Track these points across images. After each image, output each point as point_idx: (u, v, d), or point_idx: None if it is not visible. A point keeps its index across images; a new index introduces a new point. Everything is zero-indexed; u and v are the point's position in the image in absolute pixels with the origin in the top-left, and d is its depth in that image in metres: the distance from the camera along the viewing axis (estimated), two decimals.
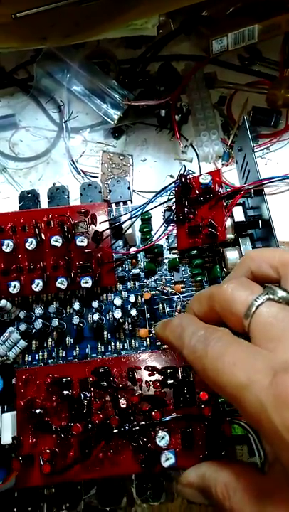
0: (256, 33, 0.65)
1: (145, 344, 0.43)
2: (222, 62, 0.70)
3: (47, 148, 0.70)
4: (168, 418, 0.36)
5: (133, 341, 0.44)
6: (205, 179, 0.43)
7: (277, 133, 0.65)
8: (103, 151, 0.68)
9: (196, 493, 0.30)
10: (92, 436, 0.36)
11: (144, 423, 0.36)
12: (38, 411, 0.36)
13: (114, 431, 0.36)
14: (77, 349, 0.44)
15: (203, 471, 0.30)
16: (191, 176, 0.45)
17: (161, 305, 0.45)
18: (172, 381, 0.37)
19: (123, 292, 0.46)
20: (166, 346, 0.41)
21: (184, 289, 0.45)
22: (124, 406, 0.36)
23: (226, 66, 0.70)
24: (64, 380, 0.37)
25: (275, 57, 0.69)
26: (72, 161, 0.68)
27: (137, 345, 0.44)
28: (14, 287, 0.43)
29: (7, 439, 0.38)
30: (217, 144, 0.64)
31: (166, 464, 0.35)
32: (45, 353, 0.44)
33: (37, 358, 0.44)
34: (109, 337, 0.44)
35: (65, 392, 0.37)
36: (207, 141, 0.65)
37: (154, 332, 0.44)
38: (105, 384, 0.37)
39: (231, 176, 0.59)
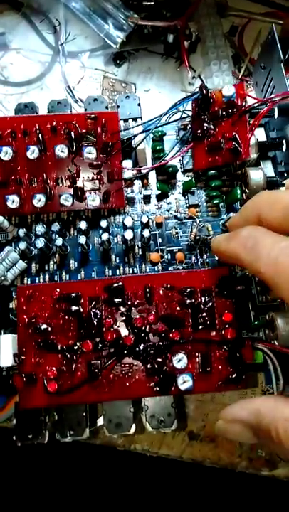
0: None
1: (156, 269, 0.40)
2: None
3: (41, 72, 0.64)
4: (191, 339, 0.33)
5: (144, 266, 0.40)
6: (228, 91, 0.39)
7: None
8: (104, 77, 0.62)
9: (243, 431, 0.27)
10: (102, 356, 0.33)
11: (160, 343, 0.33)
12: (43, 327, 0.33)
13: (127, 351, 0.33)
14: (82, 273, 0.40)
15: (256, 406, 0.27)
16: (211, 90, 0.41)
17: (174, 229, 0.42)
18: (192, 301, 0.34)
19: (133, 215, 0.42)
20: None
21: (198, 213, 0.42)
22: (140, 324, 0.32)
23: None
24: (73, 295, 0.34)
25: None
26: (69, 87, 0.62)
27: (147, 270, 0.40)
28: (13, 201, 0.39)
29: (6, 361, 0.35)
30: (228, 75, 0.60)
31: (183, 387, 0.33)
32: (47, 276, 0.40)
33: (37, 281, 0.40)
34: (118, 261, 0.40)
35: (74, 308, 0.33)
36: (217, 72, 0.60)
37: (166, 257, 0.40)
38: (119, 301, 0.33)
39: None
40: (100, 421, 0.39)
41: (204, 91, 0.40)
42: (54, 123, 0.39)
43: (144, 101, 0.61)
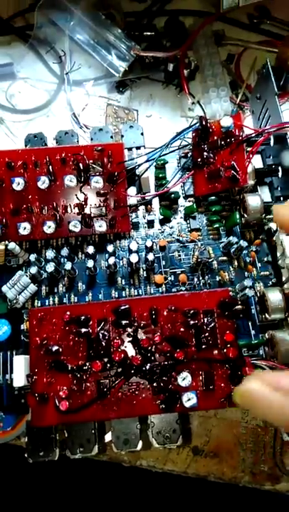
0: None
1: (160, 291, 0.42)
2: (231, 19, 0.68)
3: (47, 100, 0.67)
4: (194, 358, 0.35)
5: (148, 287, 0.42)
6: (226, 122, 0.42)
7: (286, 93, 0.64)
8: (108, 104, 0.65)
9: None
10: (110, 376, 0.35)
11: (166, 363, 0.35)
12: (54, 348, 0.35)
13: (134, 371, 0.35)
14: (90, 295, 0.42)
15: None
16: (210, 121, 0.44)
17: (176, 252, 0.44)
18: (195, 321, 0.36)
19: (137, 239, 0.44)
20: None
21: (200, 237, 0.44)
22: (146, 345, 0.34)
23: (235, 24, 0.69)
24: (82, 317, 0.36)
25: (284, 17, 0.68)
26: (74, 114, 0.65)
27: (152, 291, 0.42)
28: (24, 228, 0.41)
29: (19, 382, 0.37)
30: (226, 101, 0.63)
31: (188, 404, 0.34)
32: (56, 298, 0.42)
33: (47, 303, 0.42)
34: (124, 283, 0.43)
35: (84, 330, 0.35)
36: (216, 98, 0.63)
37: (170, 279, 0.43)
38: (126, 322, 0.35)
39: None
40: (108, 437, 0.41)
41: (204, 122, 0.43)
42: (63, 154, 0.42)
43: (146, 126, 0.64)
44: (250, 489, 0.50)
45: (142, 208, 0.45)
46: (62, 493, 0.57)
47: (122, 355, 0.35)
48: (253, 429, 0.51)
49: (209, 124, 0.43)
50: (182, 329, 0.36)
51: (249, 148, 0.43)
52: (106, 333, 0.36)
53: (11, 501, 0.56)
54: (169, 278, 0.43)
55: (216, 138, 0.43)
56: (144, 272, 0.43)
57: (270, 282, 0.42)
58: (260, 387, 0.24)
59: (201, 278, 0.43)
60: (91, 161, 0.42)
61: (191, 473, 0.51)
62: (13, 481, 0.53)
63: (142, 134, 0.48)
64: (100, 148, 0.41)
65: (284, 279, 0.40)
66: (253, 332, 0.41)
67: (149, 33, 0.69)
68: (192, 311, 0.36)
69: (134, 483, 0.55)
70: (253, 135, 0.42)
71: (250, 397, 0.25)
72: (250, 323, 0.41)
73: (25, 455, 0.37)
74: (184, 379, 0.35)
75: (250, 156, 0.41)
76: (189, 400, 0.34)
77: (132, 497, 0.56)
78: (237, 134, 0.42)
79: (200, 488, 0.52)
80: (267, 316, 0.39)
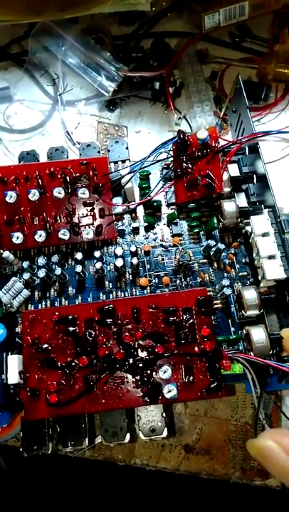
0: (247, 10, 0.67)
1: (145, 293, 0.45)
2: (213, 38, 0.73)
3: (42, 120, 0.71)
4: (173, 352, 0.37)
5: (134, 290, 0.45)
6: (202, 134, 0.45)
7: (267, 106, 0.67)
8: (99, 122, 0.69)
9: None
10: (96, 371, 0.37)
11: (147, 357, 0.38)
12: (45, 346, 0.38)
13: (118, 365, 0.37)
14: (80, 298, 0.45)
15: None
16: (188, 134, 0.47)
17: (160, 256, 0.47)
18: (175, 318, 0.39)
19: (123, 245, 0.47)
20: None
21: (181, 241, 0.47)
22: (128, 341, 0.37)
23: (217, 43, 0.73)
24: (70, 317, 0.39)
25: (264, 35, 0.72)
26: (68, 132, 0.69)
27: (137, 293, 0.45)
28: (17, 238, 0.44)
29: (13, 379, 0.39)
30: (210, 115, 0.67)
31: (168, 396, 0.37)
32: (48, 302, 0.45)
33: (40, 307, 0.45)
34: (111, 286, 0.45)
35: (71, 329, 0.38)
36: (200, 113, 0.67)
37: (154, 281, 0.45)
38: (110, 321, 0.38)
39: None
40: (99, 439, 0.43)
41: (182, 135, 0.46)
42: (52, 169, 0.45)
43: (136, 141, 0.69)
44: (241, 485, 0.51)
45: (127, 216, 0.48)
46: (58, 492, 0.59)
47: (107, 351, 0.37)
48: (242, 427, 0.53)
49: (187, 137, 0.46)
50: (162, 326, 0.39)
51: (226, 157, 0.46)
52: (92, 331, 0.39)
53: (7, 501, 0.57)
54: (154, 280, 0.46)
55: (194, 149, 0.46)
56: (130, 276, 0.46)
57: (248, 282, 0.44)
58: (277, 449, 0.26)
59: (183, 280, 0.45)
60: (78, 174, 0.45)
61: (184, 470, 0.53)
62: (10, 482, 0.55)
63: (126, 148, 0.51)
64: (85, 162, 0.45)
65: (260, 277, 0.42)
66: (232, 329, 0.43)
67: (136, 54, 0.73)
68: (172, 309, 0.39)
69: (128, 482, 0.57)
70: (228, 145, 0.45)
71: (266, 456, 0.27)
72: (230, 321, 0.43)
73: (20, 449, 0.40)
74: (164, 372, 0.37)
75: (225, 164, 0.44)
76: (170, 391, 0.37)
77: (127, 495, 0.58)
78: (213, 145, 0.45)
79: (192, 485, 0.54)
80: (244, 312, 0.41)
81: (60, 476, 0.59)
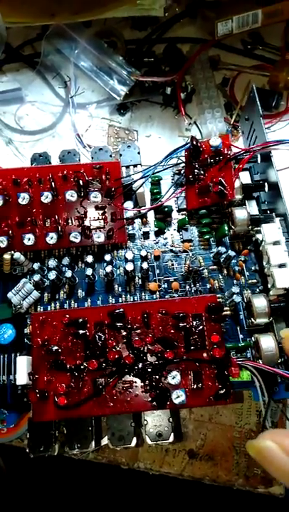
0: (260, 18, 0.68)
1: (154, 297, 0.45)
2: (226, 45, 0.73)
3: (53, 122, 0.72)
4: (182, 358, 0.37)
5: (143, 294, 0.45)
6: (215, 141, 0.45)
7: (278, 114, 0.68)
8: (109, 125, 0.70)
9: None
10: (105, 374, 0.37)
11: (156, 362, 0.38)
12: (54, 348, 0.38)
13: (127, 369, 0.37)
14: (89, 301, 0.45)
15: None
16: (201, 141, 0.47)
17: (170, 261, 0.47)
18: (184, 324, 0.39)
19: (133, 249, 0.48)
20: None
21: (192, 247, 0.47)
22: (138, 345, 0.37)
23: (230, 50, 0.73)
24: (80, 320, 0.39)
25: (276, 43, 0.72)
26: (78, 135, 0.69)
27: (146, 298, 0.45)
28: (29, 239, 0.45)
29: (22, 380, 0.39)
30: (220, 122, 0.67)
31: (177, 401, 0.37)
32: (57, 304, 0.45)
33: (49, 309, 0.45)
34: (120, 290, 0.46)
35: (81, 332, 0.38)
36: (211, 119, 0.67)
37: (163, 286, 0.46)
38: (120, 325, 0.38)
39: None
40: (105, 441, 0.43)
41: (194, 142, 0.46)
42: (65, 172, 0.46)
43: (146, 145, 0.69)
44: (244, 492, 0.51)
45: (137, 220, 0.49)
46: (61, 495, 0.59)
47: (116, 355, 0.38)
48: (246, 433, 0.53)
49: (200, 143, 0.47)
50: (172, 331, 0.39)
51: (238, 165, 0.46)
52: (102, 335, 0.39)
53: (11, 503, 0.58)
54: (163, 285, 0.46)
55: (206, 156, 0.46)
56: (140, 280, 0.46)
57: (258, 289, 0.45)
58: (277, 450, 0.25)
59: (192, 285, 0.45)
60: (90, 178, 0.45)
61: (187, 475, 0.53)
62: (14, 483, 0.55)
63: (138, 153, 0.51)
64: (98, 166, 0.45)
65: (269, 286, 0.43)
66: (241, 336, 0.43)
67: (148, 59, 0.74)
68: (182, 315, 0.39)
69: (131, 485, 0.57)
70: (240, 153, 0.45)
71: (266, 456, 0.26)
72: (238, 328, 0.44)
73: (27, 450, 0.40)
74: (173, 377, 0.37)
75: (237, 172, 0.44)
76: (178, 397, 0.37)
77: (130, 499, 0.58)
78: (225, 152, 0.45)
79: (195, 490, 0.54)
80: (253, 320, 0.41)
81: (63, 478, 0.59)
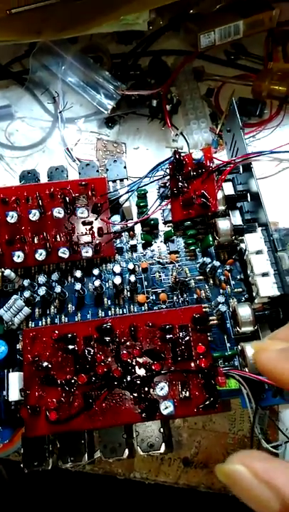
0: (241, 29, 0.69)
1: (143, 309, 0.46)
2: (209, 56, 0.74)
3: (42, 137, 0.73)
4: (170, 369, 0.38)
5: (132, 306, 0.46)
6: (197, 155, 0.46)
7: (262, 122, 0.69)
8: (98, 139, 0.71)
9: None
10: (95, 388, 0.38)
11: (144, 375, 0.38)
12: (45, 364, 0.39)
13: (116, 382, 0.38)
14: (79, 315, 0.46)
15: None
16: (183, 154, 0.49)
17: (157, 273, 0.48)
18: (171, 336, 0.40)
19: (121, 262, 0.49)
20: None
21: (178, 258, 0.48)
22: (126, 359, 0.38)
23: (213, 60, 0.75)
24: (69, 335, 0.40)
25: (258, 52, 0.74)
26: (68, 149, 0.70)
27: (135, 310, 0.46)
28: (18, 257, 0.46)
29: (14, 396, 0.40)
30: (206, 132, 0.68)
31: (165, 412, 0.38)
32: (48, 319, 0.46)
33: (40, 324, 0.46)
34: (109, 303, 0.47)
35: (71, 347, 0.39)
36: (197, 130, 0.69)
37: (152, 298, 0.46)
38: (108, 339, 0.39)
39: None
40: (98, 453, 0.44)
41: (177, 156, 0.48)
42: (52, 189, 0.47)
43: (134, 157, 0.70)
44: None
45: (125, 234, 0.50)
46: (59, 506, 0.60)
47: (105, 369, 0.38)
48: (240, 440, 0.53)
49: (182, 157, 0.48)
50: (160, 343, 0.40)
51: (220, 176, 0.47)
52: (91, 349, 0.40)
53: (8, 510, 0.58)
54: (151, 297, 0.47)
55: (189, 169, 0.48)
56: (128, 293, 0.47)
57: (243, 298, 0.46)
58: (246, 474, 0.23)
59: (180, 296, 0.46)
60: (77, 194, 0.46)
61: (182, 483, 0.53)
62: (11, 496, 0.56)
63: (124, 167, 0.52)
64: (84, 183, 0.46)
65: (254, 294, 0.43)
66: (228, 344, 0.44)
67: (134, 72, 0.75)
68: (168, 327, 0.40)
69: (128, 495, 0.57)
70: (222, 165, 0.47)
71: (236, 480, 0.23)
72: (225, 337, 0.44)
73: (21, 465, 0.41)
74: (161, 389, 0.38)
75: (220, 183, 0.46)
76: (166, 408, 0.38)
77: (127, 508, 0.59)
78: (207, 165, 0.47)
79: (192, 498, 0.55)
80: (238, 329, 0.42)
81: (61, 489, 0.59)
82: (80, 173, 0.53)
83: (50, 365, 0.39)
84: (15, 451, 0.47)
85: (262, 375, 0.39)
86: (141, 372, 0.39)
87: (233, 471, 0.23)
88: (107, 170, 0.53)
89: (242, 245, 0.46)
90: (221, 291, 0.46)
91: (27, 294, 0.45)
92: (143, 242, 0.49)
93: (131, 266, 0.46)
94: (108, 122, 0.73)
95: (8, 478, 0.59)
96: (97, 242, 0.47)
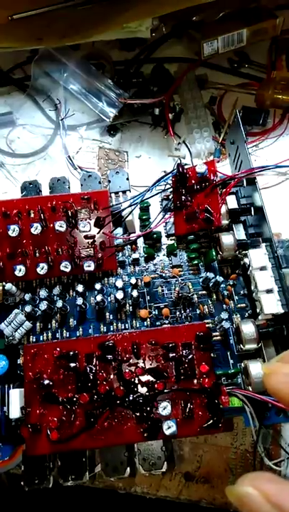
0: (245, 37, 0.69)
1: (146, 324, 0.46)
2: (212, 64, 0.74)
3: (44, 145, 0.72)
4: (172, 388, 0.38)
5: (134, 321, 0.46)
6: (201, 168, 0.46)
7: (265, 131, 0.68)
8: (100, 147, 0.71)
9: None
10: (97, 407, 0.38)
11: (147, 394, 0.38)
12: (46, 382, 0.38)
13: (119, 401, 0.38)
14: (81, 330, 0.46)
15: None
16: (187, 167, 0.48)
17: (160, 287, 0.47)
18: (174, 354, 0.39)
19: (124, 276, 0.48)
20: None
21: (181, 272, 0.48)
22: (128, 377, 0.38)
23: (216, 68, 0.74)
24: (71, 353, 0.39)
25: (262, 61, 0.73)
26: (69, 157, 0.70)
27: (137, 325, 0.46)
28: (20, 270, 0.45)
29: (15, 413, 0.40)
30: (209, 141, 0.68)
31: (168, 432, 0.37)
32: (49, 334, 0.46)
33: (41, 339, 0.46)
34: (111, 318, 0.46)
35: (72, 365, 0.39)
36: (199, 139, 0.68)
37: (154, 313, 0.46)
38: (110, 357, 0.39)
39: (224, 171, 0.62)
40: (99, 468, 0.43)
41: (180, 169, 0.47)
42: (54, 203, 0.46)
43: (136, 166, 0.70)
44: None
45: (127, 247, 0.49)
46: None
47: (107, 388, 0.38)
48: (242, 454, 0.53)
49: (186, 170, 0.47)
50: (163, 361, 0.40)
51: (224, 189, 0.47)
52: (93, 367, 0.39)
53: None
54: (154, 312, 0.46)
55: (192, 182, 0.47)
56: (130, 307, 0.46)
57: (247, 314, 0.45)
58: (257, 497, 0.23)
59: (182, 311, 0.46)
60: (79, 208, 0.46)
61: (184, 498, 0.53)
62: (11, 496, 0.55)
63: (127, 179, 0.52)
64: (86, 197, 0.46)
65: (258, 310, 0.43)
66: (231, 361, 0.44)
67: (137, 80, 0.75)
68: (171, 345, 0.39)
69: (129, 510, 0.57)
70: (226, 179, 0.46)
71: (246, 503, 0.23)
72: (228, 353, 0.44)
73: (22, 483, 0.40)
74: (164, 408, 0.38)
75: (224, 197, 0.45)
76: (169, 427, 0.37)
77: None
78: (211, 178, 0.46)
79: None
80: (242, 346, 0.42)
81: (61, 503, 0.59)
82: (82, 185, 0.52)
83: (51, 383, 0.39)
84: (17, 465, 0.47)
85: (266, 395, 0.38)
86: (143, 390, 0.39)
87: (244, 494, 0.23)
88: (109, 181, 0.52)
89: (245, 260, 0.46)
90: (224, 306, 0.46)
91: (28, 308, 0.45)
92: (145, 255, 0.49)
93: (133, 280, 0.45)
94: (110, 130, 0.72)
95: (8, 485, 0.59)
96: (99, 255, 0.47)
